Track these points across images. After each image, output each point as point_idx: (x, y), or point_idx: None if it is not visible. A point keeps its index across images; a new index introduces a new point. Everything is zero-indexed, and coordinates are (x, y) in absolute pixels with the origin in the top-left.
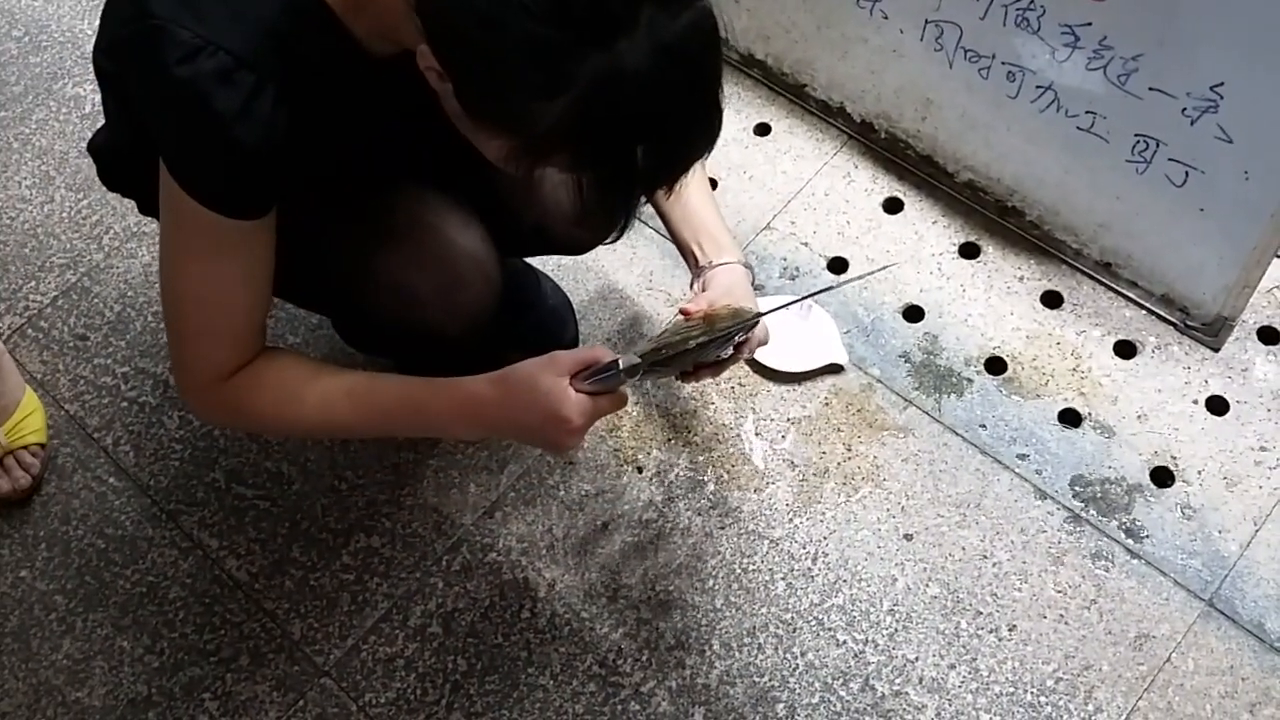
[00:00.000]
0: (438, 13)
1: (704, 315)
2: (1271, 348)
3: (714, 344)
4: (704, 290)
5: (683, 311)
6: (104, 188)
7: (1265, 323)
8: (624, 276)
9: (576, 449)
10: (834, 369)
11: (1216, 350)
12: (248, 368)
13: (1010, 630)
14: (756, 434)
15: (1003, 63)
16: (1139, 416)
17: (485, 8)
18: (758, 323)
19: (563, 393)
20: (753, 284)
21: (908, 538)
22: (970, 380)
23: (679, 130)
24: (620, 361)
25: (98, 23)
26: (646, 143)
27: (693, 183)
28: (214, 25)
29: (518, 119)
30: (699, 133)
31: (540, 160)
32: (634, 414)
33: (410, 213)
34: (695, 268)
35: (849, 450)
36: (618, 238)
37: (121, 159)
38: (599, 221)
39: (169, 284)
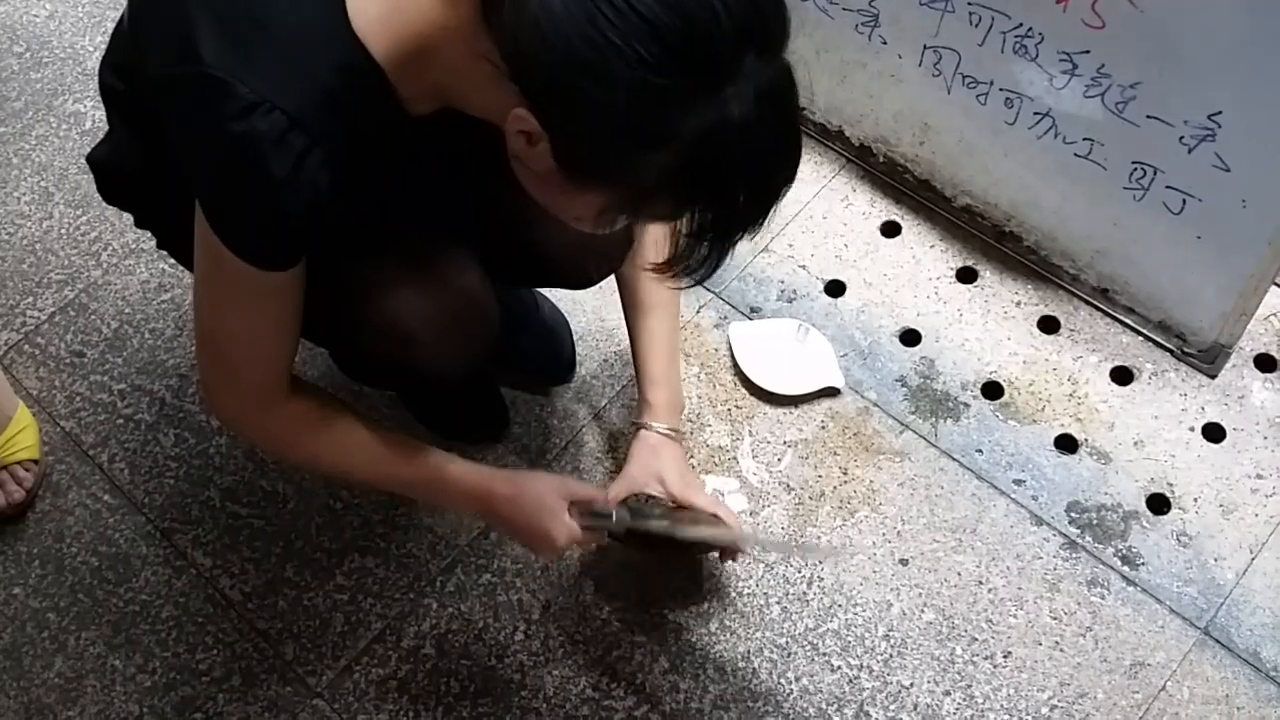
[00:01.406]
0: (541, 74)
1: (689, 510)
2: (1268, 375)
3: (691, 544)
4: (632, 457)
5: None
6: (102, 204)
7: (1262, 350)
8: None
9: (550, 559)
10: (830, 392)
11: (1213, 377)
12: (302, 403)
13: (1005, 657)
14: (753, 456)
15: (1001, 89)
16: (1135, 443)
17: (598, 61)
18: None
19: (559, 514)
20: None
21: (903, 563)
22: (967, 405)
23: (774, 171)
24: (614, 516)
25: (104, 39)
26: (748, 186)
27: (662, 302)
28: (270, 81)
29: (625, 171)
30: (789, 171)
31: (641, 211)
32: (629, 436)
33: (411, 253)
34: (636, 415)
35: (845, 474)
36: (702, 281)
37: (122, 174)
38: (688, 266)
39: (206, 321)
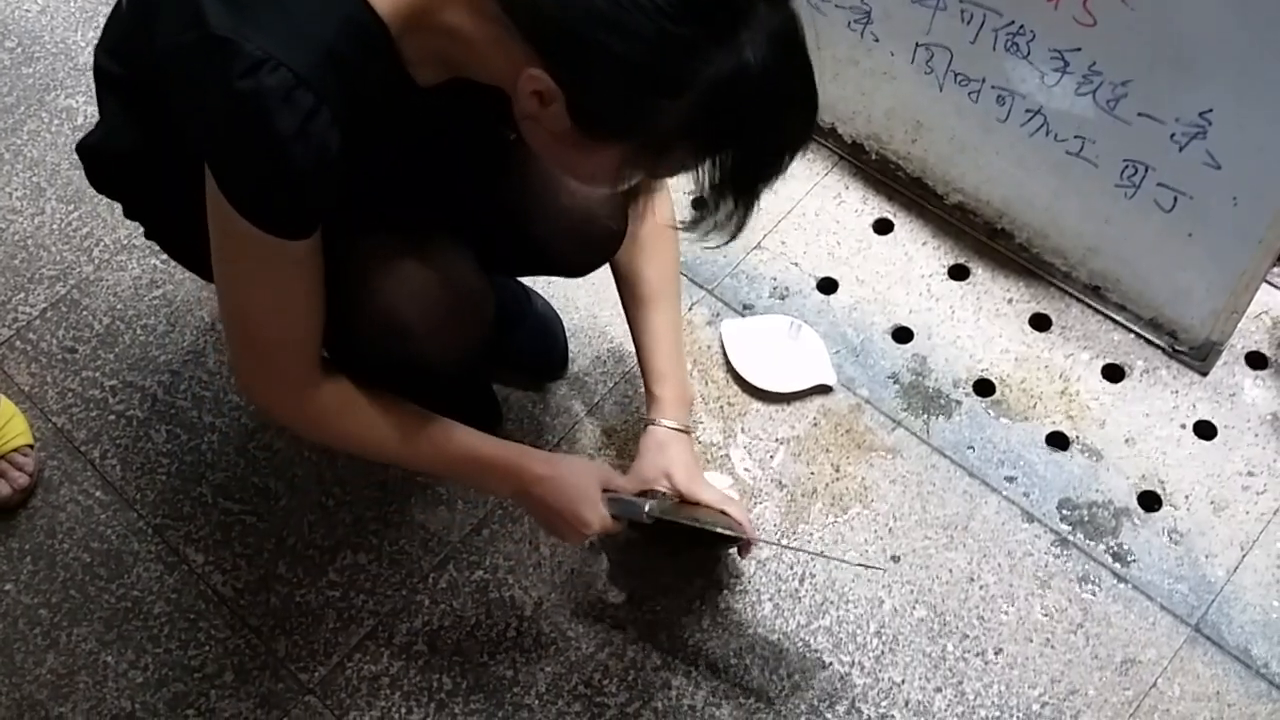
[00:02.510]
0: (556, 28)
1: (706, 507)
2: (1259, 373)
3: (707, 535)
4: (640, 453)
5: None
6: (94, 199)
7: (1253, 348)
8: (614, 293)
9: (574, 544)
10: (823, 389)
11: (1205, 374)
12: (335, 387)
13: (997, 654)
14: (746, 453)
15: (993, 86)
16: (1127, 440)
17: (615, 12)
18: (736, 539)
19: (594, 499)
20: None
21: (895, 559)
22: (959, 402)
23: (792, 115)
24: (647, 508)
25: (96, 34)
26: (767, 131)
27: (663, 295)
28: (275, 39)
29: (644, 122)
30: (808, 116)
31: (660, 164)
32: (623, 432)
33: (407, 244)
34: (645, 411)
35: (837, 471)
36: (734, 237)
37: (114, 161)
38: (714, 224)
39: (230, 300)
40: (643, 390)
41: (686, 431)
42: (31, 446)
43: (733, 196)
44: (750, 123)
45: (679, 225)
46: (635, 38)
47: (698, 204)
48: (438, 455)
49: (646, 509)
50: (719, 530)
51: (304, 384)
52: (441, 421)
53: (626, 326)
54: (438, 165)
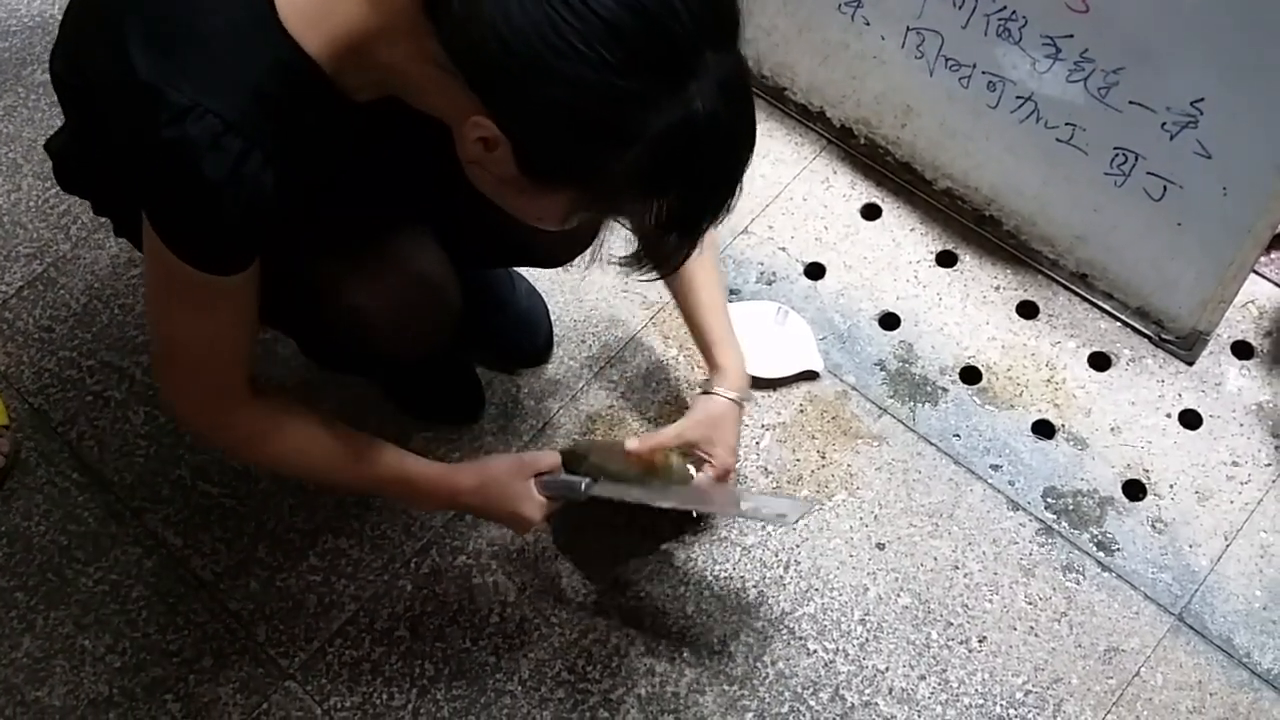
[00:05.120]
0: (503, 81)
1: (650, 458)
2: (1245, 362)
3: (652, 495)
4: (691, 413)
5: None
6: None
7: (1239, 337)
8: (599, 278)
9: (525, 534)
10: (809, 376)
11: (1191, 364)
12: (264, 405)
13: (980, 642)
14: None
15: (983, 72)
16: (1112, 429)
17: (561, 65)
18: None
19: (526, 494)
20: (740, 418)
21: (880, 547)
22: (945, 389)
23: (739, 157)
24: (583, 487)
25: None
26: (714, 174)
27: (703, 268)
28: (201, 85)
29: (592, 171)
30: (749, 154)
31: (609, 207)
32: (607, 416)
33: (367, 240)
34: (705, 376)
35: (823, 457)
36: (674, 271)
37: (78, 163)
38: (657, 260)
39: (160, 327)
40: (618, 374)
41: (742, 406)
42: (7, 427)
43: (677, 235)
44: (700, 169)
45: (615, 261)
46: (583, 91)
47: (640, 241)
48: (368, 474)
49: (583, 488)
50: (662, 506)
51: (233, 404)
52: (371, 442)
53: (612, 311)
54: (395, 168)
